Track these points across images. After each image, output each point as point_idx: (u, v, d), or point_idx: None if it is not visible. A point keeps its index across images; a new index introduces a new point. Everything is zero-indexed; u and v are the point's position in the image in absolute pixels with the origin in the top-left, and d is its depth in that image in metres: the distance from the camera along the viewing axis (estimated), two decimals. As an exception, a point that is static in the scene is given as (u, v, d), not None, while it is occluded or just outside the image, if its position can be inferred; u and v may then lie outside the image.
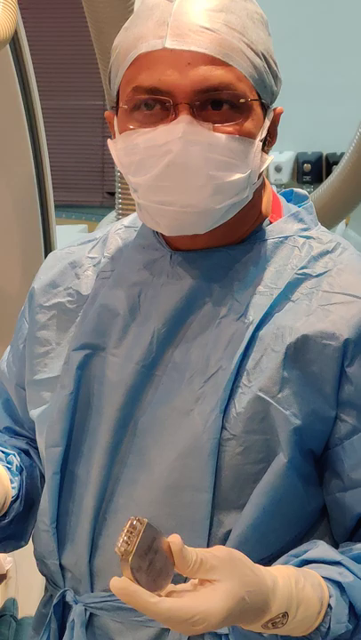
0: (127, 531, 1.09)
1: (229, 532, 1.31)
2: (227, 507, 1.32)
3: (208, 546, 1.30)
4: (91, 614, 1.39)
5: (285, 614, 1.19)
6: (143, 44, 1.29)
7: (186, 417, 1.33)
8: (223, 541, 1.31)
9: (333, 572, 1.26)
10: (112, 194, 2.97)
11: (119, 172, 2.78)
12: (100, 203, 5.80)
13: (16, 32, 2.39)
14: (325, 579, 1.25)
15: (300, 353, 1.31)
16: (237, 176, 1.30)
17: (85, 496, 1.38)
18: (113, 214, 3.20)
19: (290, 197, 1.47)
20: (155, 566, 1.10)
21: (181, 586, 1.14)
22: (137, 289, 1.40)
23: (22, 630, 1.90)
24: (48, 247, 2.77)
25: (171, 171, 1.28)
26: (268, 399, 1.30)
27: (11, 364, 1.56)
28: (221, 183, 1.30)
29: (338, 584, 1.25)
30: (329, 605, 1.23)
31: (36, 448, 1.52)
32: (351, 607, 1.25)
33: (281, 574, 1.21)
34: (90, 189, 5.90)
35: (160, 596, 1.10)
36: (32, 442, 1.53)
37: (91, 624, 1.40)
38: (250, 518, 1.30)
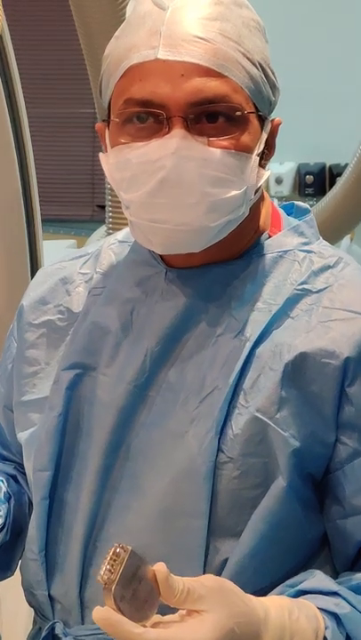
0: (110, 558, 1.09)
1: (226, 560, 1.32)
2: (223, 533, 1.32)
3: (204, 574, 1.30)
4: None
5: None
6: (135, 55, 1.29)
7: (180, 439, 1.34)
8: (220, 570, 1.32)
9: (330, 602, 1.27)
10: (102, 207, 2.97)
11: (110, 185, 2.80)
12: (89, 216, 5.78)
13: (0, 36, 2.41)
14: (321, 610, 1.25)
15: (298, 371, 1.32)
16: (233, 193, 1.31)
17: (75, 523, 1.39)
18: (103, 229, 3.20)
19: (290, 211, 1.48)
20: (139, 595, 1.11)
21: (169, 617, 1.14)
22: (130, 306, 1.42)
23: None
24: (35, 264, 2.77)
25: (164, 187, 1.29)
26: (265, 420, 1.31)
27: None
28: (216, 200, 1.31)
29: (334, 615, 1.26)
30: (325, 637, 1.24)
31: (24, 473, 1.52)
32: (348, 639, 1.26)
33: (274, 605, 1.22)
34: (79, 202, 5.88)
35: (145, 626, 1.11)
36: (20, 467, 1.55)
37: None
38: (248, 546, 1.31)
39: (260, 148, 1.34)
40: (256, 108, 1.33)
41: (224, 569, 1.32)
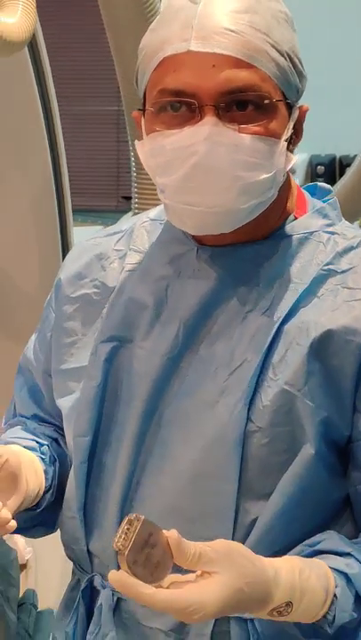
0: (124, 527, 1.12)
1: (255, 520, 1.32)
2: (252, 496, 1.32)
3: (234, 534, 1.31)
4: (118, 599, 1.40)
5: (290, 603, 1.20)
6: (168, 47, 1.28)
7: (211, 409, 1.33)
8: (249, 529, 1.31)
9: (341, 562, 1.26)
10: (127, 198, 2.98)
11: (136, 175, 2.80)
12: (115, 207, 5.81)
13: (35, 38, 2.41)
14: (333, 569, 1.25)
15: (323, 347, 1.31)
16: (263, 176, 1.30)
17: (113, 484, 1.39)
18: (130, 215, 3.22)
19: (314, 192, 1.47)
20: (152, 560, 1.13)
21: (185, 576, 1.15)
22: (164, 283, 1.41)
23: (42, 619, 1.91)
24: (66, 249, 2.78)
25: (197, 172, 1.28)
26: (294, 392, 1.30)
27: (37, 352, 1.55)
28: (247, 183, 1.29)
29: (345, 575, 1.25)
30: (335, 595, 1.24)
31: (64, 436, 1.52)
32: (358, 597, 1.26)
33: (285, 565, 1.22)
34: (105, 194, 5.91)
35: (161, 586, 1.12)
36: (59, 429, 1.54)
37: (118, 608, 1.41)
38: (276, 506, 1.31)
39: (287, 133, 1.33)
40: (284, 95, 1.31)
41: (253, 528, 1.32)
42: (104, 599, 1.41)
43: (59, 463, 1.52)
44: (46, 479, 1.47)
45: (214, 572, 1.14)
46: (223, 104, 1.27)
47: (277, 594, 1.19)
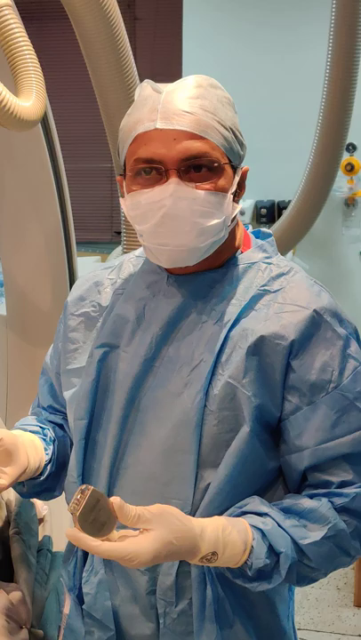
0: (77, 495, 1.14)
1: (208, 484, 1.31)
2: (207, 465, 1.31)
3: (194, 495, 1.31)
4: None
5: (215, 553, 1.22)
6: (140, 126, 1.29)
7: (177, 397, 1.33)
8: (204, 492, 1.31)
9: (258, 520, 1.27)
10: (119, 233, 2.97)
11: (124, 217, 2.80)
12: (109, 239, 5.80)
13: (46, 113, 2.40)
14: (251, 526, 1.26)
15: (258, 349, 1.31)
16: (215, 221, 1.31)
17: (103, 456, 1.39)
18: (120, 248, 3.21)
19: (258, 235, 1.48)
20: (99, 520, 1.14)
21: (131, 532, 1.17)
22: (143, 302, 1.41)
23: (55, 560, 1.90)
24: (72, 274, 2.77)
25: (165, 220, 1.29)
26: (235, 384, 1.30)
27: (52, 358, 1.56)
28: (204, 227, 1.30)
29: (260, 530, 1.26)
30: (252, 546, 1.25)
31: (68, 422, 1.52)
32: (270, 547, 1.26)
33: (211, 523, 1.23)
34: (102, 230, 5.90)
35: (110, 540, 1.14)
36: (66, 417, 1.53)
37: None
38: (223, 474, 1.30)
39: (233, 188, 1.33)
40: (229, 160, 1.32)
41: (207, 491, 1.31)
42: None
43: (58, 442, 1.52)
44: (47, 454, 1.47)
45: (150, 529, 1.16)
46: (183, 168, 1.28)
47: (203, 546, 1.20)
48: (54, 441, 1.51)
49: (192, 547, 1.19)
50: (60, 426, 1.55)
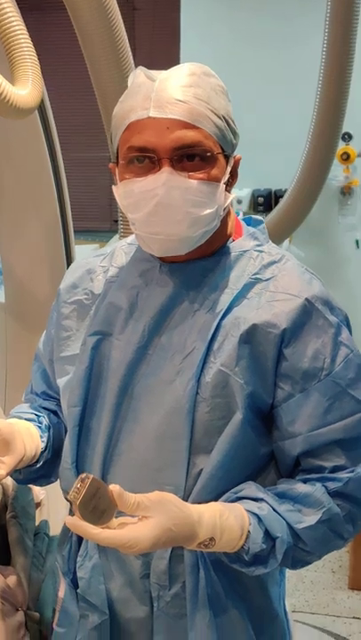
0: (77, 483, 1.13)
1: (201, 470, 1.31)
2: (199, 452, 1.31)
3: (187, 480, 1.30)
4: None
5: (212, 539, 1.21)
6: (133, 114, 1.27)
7: (170, 385, 1.33)
8: (197, 478, 1.31)
9: (254, 506, 1.27)
10: (117, 221, 2.96)
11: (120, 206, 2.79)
12: (108, 228, 5.78)
13: (42, 101, 2.39)
14: (248, 511, 1.26)
15: (250, 337, 1.30)
16: (208, 211, 1.29)
17: (97, 443, 1.38)
18: (117, 237, 3.20)
19: (249, 222, 1.47)
20: (98, 508, 1.14)
21: (131, 519, 1.17)
22: (135, 290, 1.40)
23: (52, 544, 1.91)
24: (70, 262, 2.76)
25: (158, 209, 1.28)
26: (227, 372, 1.30)
27: (45, 345, 1.55)
28: (196, 217, 1.29)
29: (256, 515, 1.26)
30: (248, 531, 1.24)
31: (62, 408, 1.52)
32: (266, 532, 1.26)
33: (208, 510, 1.23)
34: (101, 218, 5.88)
35: (109, 527, 1.14)
36: (59, 403, 1.53)
37: None
38: (215, 460, 1.30)
39: (225, 177, 1.32)
40: (222, 149, 1.31)
41: (199, 477, 1.31)
42: None
43: (53, 429, 1.51)
44: (42, 441, 1.46)
45: (149, 516, 1.15)
46: (176, 157, 1.27)
47: (201, 532, 1.20)
48: (49, 428, 1.51)
49: (190, 533, 1.19)
50: (55, 412, 1.55)
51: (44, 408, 1.55)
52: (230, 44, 4.84)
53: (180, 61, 4.96)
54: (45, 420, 1.50)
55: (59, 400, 1.53)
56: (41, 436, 1.46)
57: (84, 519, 1.13)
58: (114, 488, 1.14)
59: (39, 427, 1.48)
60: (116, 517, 1.17)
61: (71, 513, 1.19)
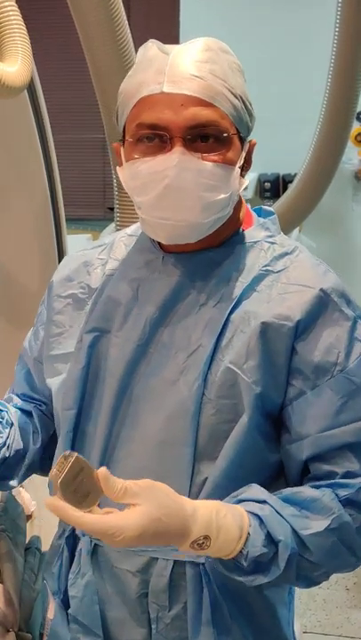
0: (59, 461, 1.11)
1: (206, 479, 1.30)
2: (204, 458, 1.30)
3: (190, 490, 1.30)
4: (95, 545, 1.39)
5: (207, 537, 1.17)
6: (145, 89, 1.27)
7: (173, 386, 1.32)
8: (201, 487, 1.30)
9: (255, 507, 1.24)
10: (111, 209, 2.96)
11: (117, 192, 2.79)
12: (102, 216, 5.77)
13: (32, 81, 2.39)
14: (248, 512, 1.23)
15: (261, 332, 1.30)
16: (222, 196, 1.30)
17: (93, 449, 1.38)
18: (112, 226, 3.20)
19: (260, 213, 1.47)
20: (82, 489, 1.11)
21: (117, 510, 1.14)
22: (136, 283, 1.40)
23: (45, 560, 1.91)
24: (61, 253, 2.76)
25: (168, 192, 1.27)
26: (235, 370, 1.29)
27: (32, 343, 1.55)
28: (209, 202, 1.29)
29: (257, 516, 1.23)
30: (248, 532, 1.21)
31: (42, 412, 1.52)
32: (268, 535, 1.22)
33: (204, 505, 1.20)
34: (93, 206, 5.88)
35: (91, 512, 1.11)
36: (40, 405, 1.53)
37: (95, 553, 1.40)
38: (220, 468, 1.29)
39: (240, 161, 1.32)
40: (238, 130, 1.31)
41: (204, 486, 1.30)
42: (83, 545, 1.41)
43: (21, 430, 1.50)
44: (0, 437, 1.45)
45: (137, 504, 1.12)
46: (190, 136, 1.27)
47: (195, 527, 1.16)
48: (11, 425, 1.49)
49: (182, 527, 1.15)
50: (29, 413, 1.54)
51: (19, 408, 1.54)
52: (235, 17, 4.85)
53: (180, 35, 4.96)
54: (8, 417, 1.49)
55: (40, 402, 1.53)
56: (0, 432, 1.45)
57: (65, 500, 1.10)
58: (100, 470, 1.11)
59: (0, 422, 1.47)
60: (101, 507, 1.14)
61: (52, 495, 1.17)
